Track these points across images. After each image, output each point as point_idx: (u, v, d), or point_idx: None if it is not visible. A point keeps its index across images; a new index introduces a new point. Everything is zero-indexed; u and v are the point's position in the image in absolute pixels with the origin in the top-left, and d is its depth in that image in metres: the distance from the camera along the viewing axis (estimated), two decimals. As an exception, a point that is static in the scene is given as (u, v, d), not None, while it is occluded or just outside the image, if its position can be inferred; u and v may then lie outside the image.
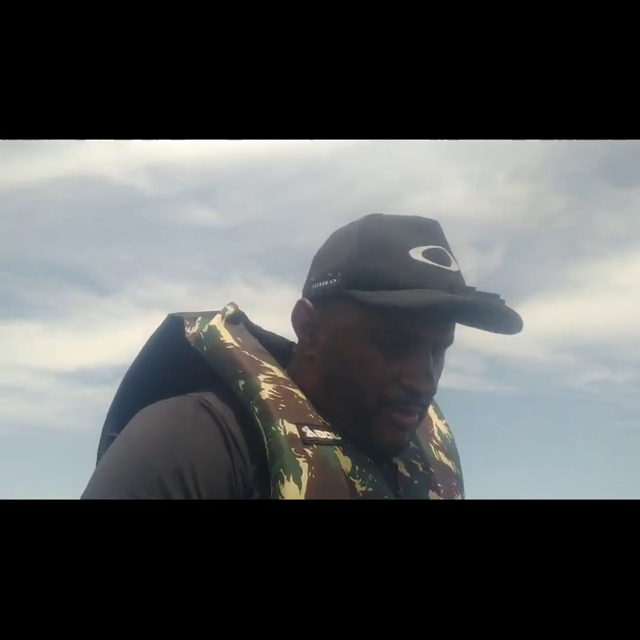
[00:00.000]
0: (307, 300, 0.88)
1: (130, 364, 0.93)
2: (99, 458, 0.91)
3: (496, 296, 0.82)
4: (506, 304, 0.82)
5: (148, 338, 0.92)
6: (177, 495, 0.72)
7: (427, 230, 0.84)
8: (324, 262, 0.88)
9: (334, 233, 0.90)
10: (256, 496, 0.75)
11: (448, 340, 0.86)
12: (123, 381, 0.92)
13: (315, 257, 0.91)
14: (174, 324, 0.91)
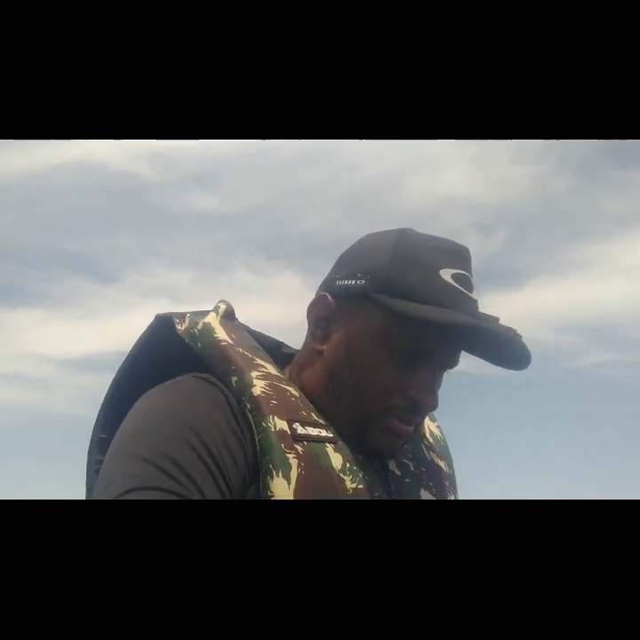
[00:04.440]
0: (328, 295, 0.88)
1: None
2: (89, 458, 0.91)
3: (514, 331, 0.84)
4: (522, 338, 0.83)
5: (137, 338, 0.92)
6: (206, 460, 0.73)
7: (459, 255, 0.86)
8: (353, 262, 0.88)
9: (367, 236, 0.90)
10: (252, 488, 0.75)
11: (454, 362, 0.87)
12: (113, 382, 0.92)
13: (342, 256, 0.91)
14: (162, 324, 0.91)
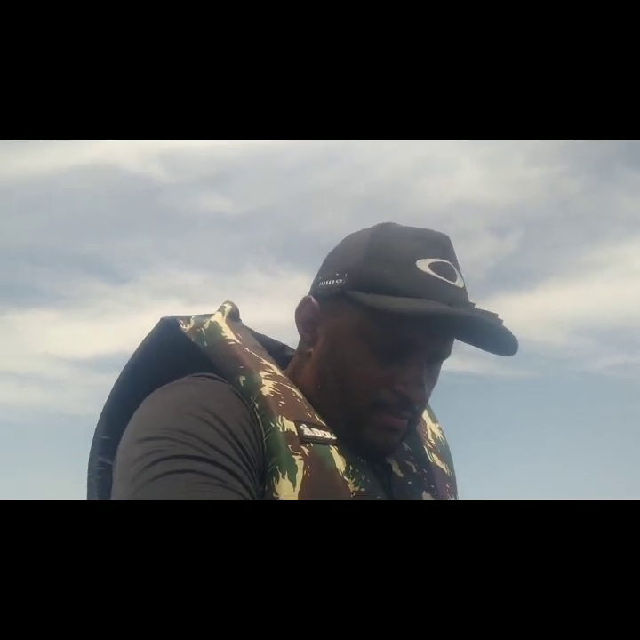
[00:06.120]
0: (312, 298, 0.89)
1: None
2: (91, 460, 0.91)
3: (494, 315, 0.83)
4: (504, 323, 0.82)
5: (142, 341, 0.92)
6: (230, 440, 0.74)
7: (436, 244, 0.85)
8: (333, 263, 0.89)
9: (347, 237, 0.91)
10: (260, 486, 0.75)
11: (444, 353, 0.86)
12: (116, 384, 0.92)
13: (326, 257, 0.92)
14: (167, 327, 0.91)
